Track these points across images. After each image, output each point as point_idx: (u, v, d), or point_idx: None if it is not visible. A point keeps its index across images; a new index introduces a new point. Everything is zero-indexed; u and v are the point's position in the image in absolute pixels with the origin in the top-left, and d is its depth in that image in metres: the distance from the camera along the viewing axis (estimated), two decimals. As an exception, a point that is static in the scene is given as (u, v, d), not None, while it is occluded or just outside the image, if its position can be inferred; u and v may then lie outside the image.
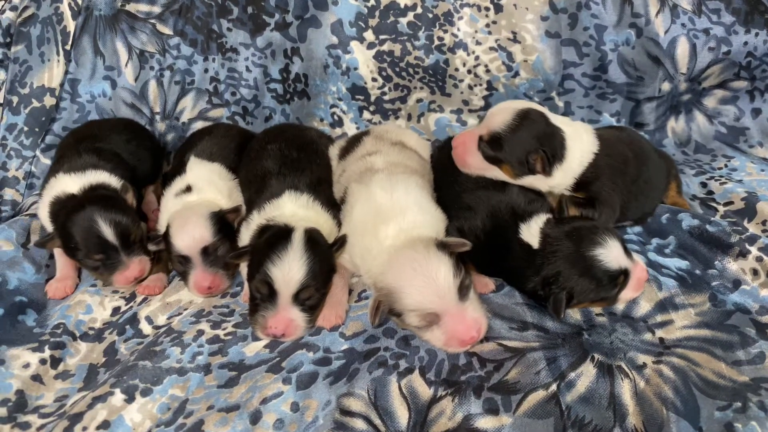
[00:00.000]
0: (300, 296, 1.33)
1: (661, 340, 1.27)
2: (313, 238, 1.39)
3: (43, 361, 1.34)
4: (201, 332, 1.38)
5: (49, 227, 1.60)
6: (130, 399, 1.19)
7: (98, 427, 1.13)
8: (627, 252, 1.34)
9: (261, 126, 2.17)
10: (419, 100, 2.14)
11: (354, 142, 1.78)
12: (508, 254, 1.39)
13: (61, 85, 2.09)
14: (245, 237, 1.50)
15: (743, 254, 1.43)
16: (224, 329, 1.40)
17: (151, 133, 2.08)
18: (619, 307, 1.36)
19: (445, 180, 1.63)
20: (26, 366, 1.31)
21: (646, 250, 1.54)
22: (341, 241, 1.46)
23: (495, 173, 1.49)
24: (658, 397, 1.12)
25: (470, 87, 2.10)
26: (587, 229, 1.34)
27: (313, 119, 2.17)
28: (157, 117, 2.15)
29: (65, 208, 1.55)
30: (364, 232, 1.42)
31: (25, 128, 2.05)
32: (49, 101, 2.07)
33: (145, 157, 1.95)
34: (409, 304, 1.24)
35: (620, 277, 1.31)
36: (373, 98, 2.12)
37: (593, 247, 1.30)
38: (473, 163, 1.51)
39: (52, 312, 1.51)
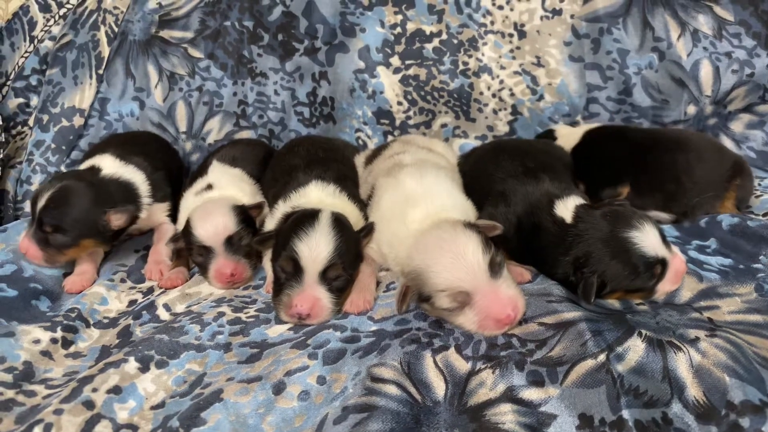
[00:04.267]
0: (327, 275, 1.26)
1: (710, 319, 1.17)
2: (340, 219, 1.34)
3: (54, 340, 1.26)
4: (221, 314, 1.31)
5: None
6: (144, 368, 1.12)
7: (108, 391, 1.05)
8: (666, 242, 1.27)
9: (286, 150, 2.17)
10: (444, 125, 2.14)
11: (380, 148, 1.78)
12: (540, 232, 1.33)
13: (91, 105, 2.12)
14: (270, 226, 1.46)
15: (790, 246, 1.36)
16: (246, 313, 1.33)
17: (176, 150, 2.09)
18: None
19: (476, 176, 1.60)
20: (36, 342, 1.24)
21: (686, 250, 1.47)
22: (369, 228, 1.41)
23: None
24: (717, 366, 1.01)
25: (495, 111, 2.11)
26: (624, 212, 1.28)
27: (337, 143, 2.17)
28: (183, 136, 2.16)
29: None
30: (392, 218, 1.38)
31: (53, 145, 2.07)
32: (78, 121, 2.10)
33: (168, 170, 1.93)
34: (438, 283, 1.16)
35: (657, 266, 1.23)
36: (398, 122, 2.13)
37: (628, 230, 1.23)
38: None
39: (66, 301, 1.45)
